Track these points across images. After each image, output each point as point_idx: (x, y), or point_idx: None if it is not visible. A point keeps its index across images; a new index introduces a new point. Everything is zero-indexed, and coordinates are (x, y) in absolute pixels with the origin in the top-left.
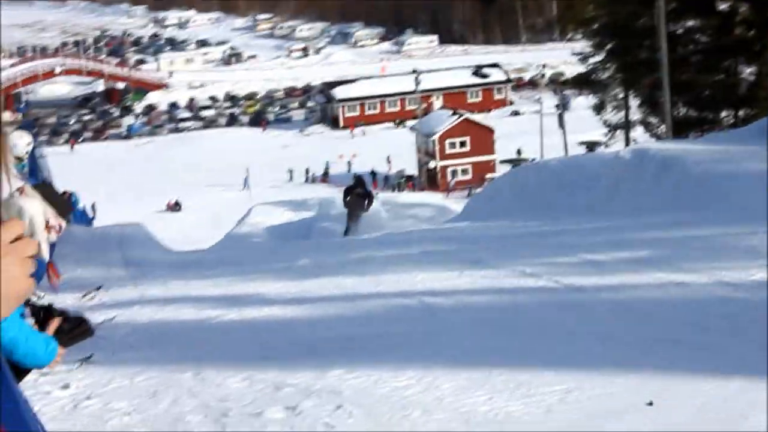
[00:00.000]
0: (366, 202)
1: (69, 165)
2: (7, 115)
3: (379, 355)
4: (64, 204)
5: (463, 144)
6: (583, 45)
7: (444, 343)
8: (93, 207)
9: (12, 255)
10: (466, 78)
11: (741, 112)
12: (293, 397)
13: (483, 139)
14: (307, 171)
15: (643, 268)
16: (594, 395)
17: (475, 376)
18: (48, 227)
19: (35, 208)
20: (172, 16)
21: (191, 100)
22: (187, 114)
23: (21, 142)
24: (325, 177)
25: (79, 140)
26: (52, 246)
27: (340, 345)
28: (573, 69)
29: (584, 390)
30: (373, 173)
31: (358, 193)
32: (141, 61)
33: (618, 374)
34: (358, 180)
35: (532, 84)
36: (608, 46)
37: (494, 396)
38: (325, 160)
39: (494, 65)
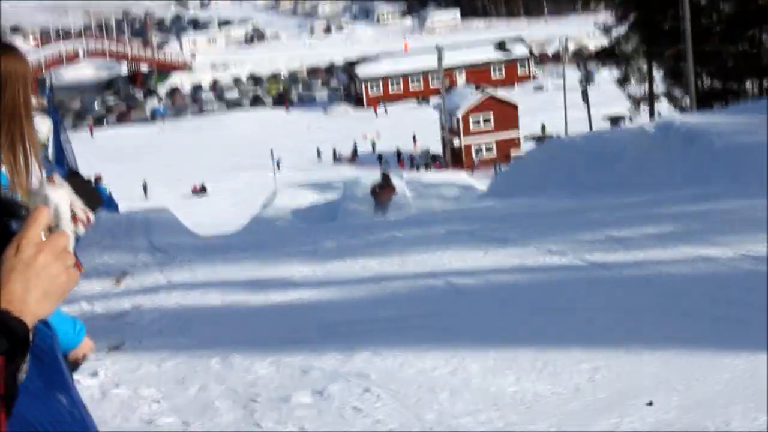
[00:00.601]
0: (392, 196)
1: (93, 150)
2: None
3: (406, 337)
4: (93, 196)
5: (487, 121)
6: (605, 16)
7: (470, 324)
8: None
9: (46, 251)
10: (489, 53)
11: (765, 82)
12: (320, 381)
13: (507, 115)
14: (334, 151)
15: (669, 243)
16: (623, 373)
17: (502, 357)
18: (75, 219)
19: (61, 197)
20: None
21: (215, 81)
22: (210, 96)
23: (43, 128)
24: (354, 157)
25: (103, 124)
26: (77, 239)
27: (366, 327)
28: (596, 42)
29: (612, 368)
30: (399, 153)
31: (384, 187)
32: (164, 43)
33: (646, 351)
34: (386, 178)
35: (556, 58)
36: (631, 18)
37: (522, 376)
38: (353, 141)
39: (517, 39)
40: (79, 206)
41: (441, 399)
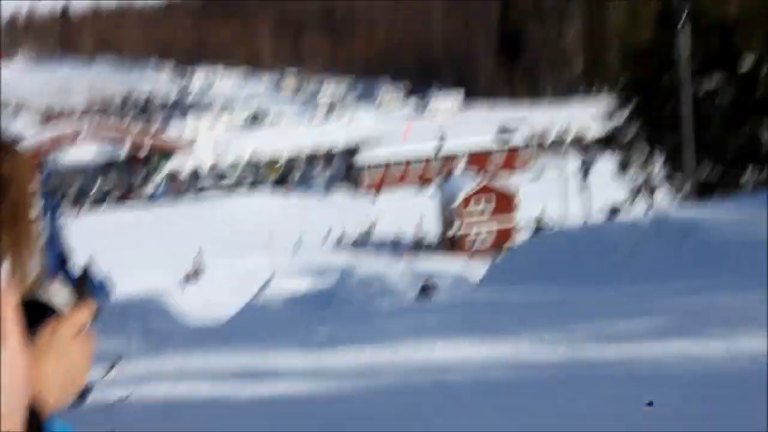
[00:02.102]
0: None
1: (91, 231)
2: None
3: None
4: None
5: (485, 208)
6: (607, 103)
7: (464, 421)
8: (105, 280)
9: (79, 343)
10: (490, 140)
11: (765, 173)
12: None
13: (505, 202)
14: (339, 236)
15: (663, 338)
16: None
17: None
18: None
19: (60, 295)
20: (198, 76)
21: (214, 164)
22: (210, 179)
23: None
24: (358, 243)
25: (102, 206)
26: None
27: (357, 423)
28: (597, 128)
29: None
30: (396, 239)
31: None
32: (166, 125)
33: None
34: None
35: (557, 144)
36: (633, 104)
37: None
38: (356, 226)
39: (518, 126)
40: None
41: None
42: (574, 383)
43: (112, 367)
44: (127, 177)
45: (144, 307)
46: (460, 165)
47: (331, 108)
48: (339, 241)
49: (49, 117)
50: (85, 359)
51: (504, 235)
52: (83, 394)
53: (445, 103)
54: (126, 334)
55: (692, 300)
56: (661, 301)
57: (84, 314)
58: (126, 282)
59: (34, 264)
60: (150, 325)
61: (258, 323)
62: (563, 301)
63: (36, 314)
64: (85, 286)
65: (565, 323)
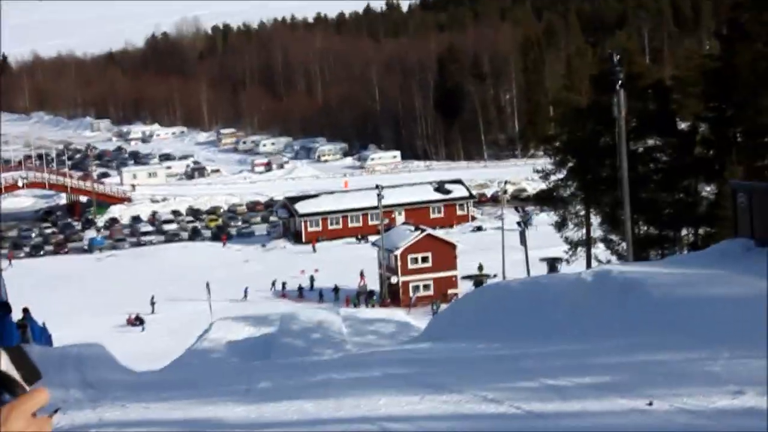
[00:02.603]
0: None
1: (29, 278)
2: None
3: None
4: (31, 370)
5: (425, 259)
6: (544, 162)
7: None
8: (44, 327)
9: (34, 428)
10: (429, 193)
11: (701, 231)
12: None
13: (445, 254)
14: (283, 285)
15: (606, 394)
16: None
17: None
18: None
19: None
20: (136, 129)
21: (153, 213)
22: (149, 228)
23: None
24: (301, 293)
25: (40, 253)
26: None
27: None
28: (535, 185)
29: None
30: (336, 289)
31: None
32: (104, 175)
33: None
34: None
35: (495, 200)
36: (569, 164)
37: None
38: (297, 277)
39: (456, 181)
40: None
41: None
42: None
43: (49, 417)
44: (66, 225)
45: (82, 355)
46: (400, 218)
47: (270, 162)
48: (279, 291)
49: None
50: None
51: (445, 285)
52: None
53: (384, 160)
54: (64, 383)
55: (635, 358)
56: (604, 357)
57: (35, 400)
58: (64, 329)
59: None
60: (88, 373)
61: (199, 371)
62: (506, 356)
63: None
64: (32, 367)
65: (507, 379)
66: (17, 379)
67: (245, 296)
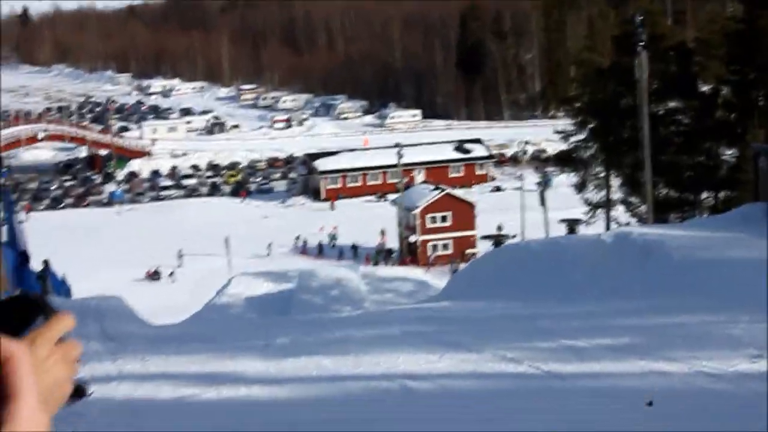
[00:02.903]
0: None
1: (49, 231)
2: None
3: None
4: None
5: (444, 219)
6: (565, 123)
7: (424, 431)
8: (63, 279)
9: (59, 356)
10: (449, 153)
11: (721, 194)
12: None
13: (464, 214)
14: (298, 238)
15: (624, 355)
16: None
17: None
18: None
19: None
20: (156, 84)
21: (173, 168)
22: (168, 182)
23: None
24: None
25: (60, 206)
26: None
27: (319, 429)
28: (555, 146)
29: None
30: (354, 247)
31: None
32: (124, 129)
33: None
34: None
35: (514, 160)
36: (590, 125)
37: None
38: (317, 234)
39: (477, 141)
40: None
41: None
42: (535, 396)
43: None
44: (86, 178)
45: (102, 308)
46: (419, 177)
47: (290, 118)
48: (300, 247)
49: (5, 118)
50: (66, 370)
51: (463, 245)
52: (80, 392)
53: (404, 118)
54: (83, 335)
55: (654, 319)
56: (624, 319)
57: (59, 326)
58: (83, 282)
59: None
60: (108, 326)
61: (218, 326)
62: (524, 316)
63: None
64: (46, 286)
65: (526, 338)
66: (52, 306)
67: (269, 252)
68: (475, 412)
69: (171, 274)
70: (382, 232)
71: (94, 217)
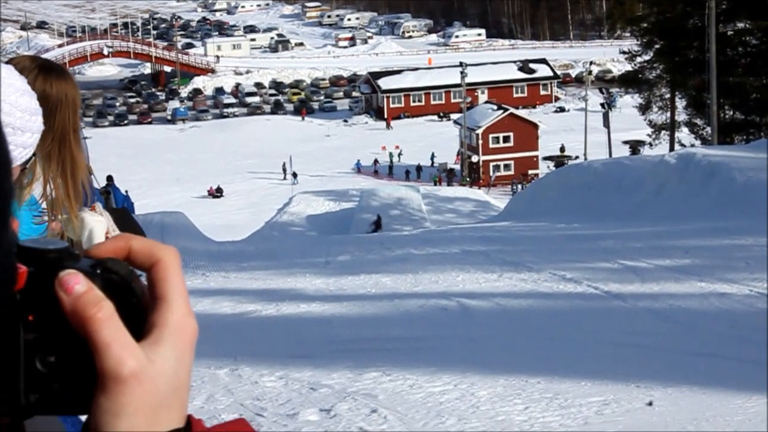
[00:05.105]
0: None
1: (112, 147)
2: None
3: (416, 359)
4: (136, 230)
5: (506, 139)
6: (631, 43)
7: (482, 349)
8: (126, 195)
9: (192, 314)
10: (512, 73)
11: None
12: (328, 399)
13: (527, 134)
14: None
15: (685, 276)
16: (632, 409)
17: (511, 385)
18: None
19: (98, 223)
20: (221, 0)
21: (237, 86)
22: (232, 100)
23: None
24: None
25: (124, 122)
26: None
27: (376, 346)
28: (620, 67)
29: (621, 403)
30: (419, 168)
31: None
32: (189, 45)
33: (657, 388)
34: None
35: (579, 81)
36: (656, 46)
37: (531, 406)
38: (380, 151)
39: (541, 61)
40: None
41: (448, 424)
42: (593, 314)
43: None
44: (150, 95)
45: (165, 223)
46: (483, 96)
47: (354, 36)
48: (359, 167)
49: (70, 35)
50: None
51: (526, 166)
52: None
53: (468, 37)
54: None
55: (716, 241)
56: (685, 240)
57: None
58: (146, 198)
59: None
60: (170, 241)
61: (278, 244)
62: (585, 236)
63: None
64: (137, 227)
65: (586, 259)
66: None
67: (358, 169)
68: (532, 331)
69: (217, 192)
70: (459, 154)
71: (158, 133)
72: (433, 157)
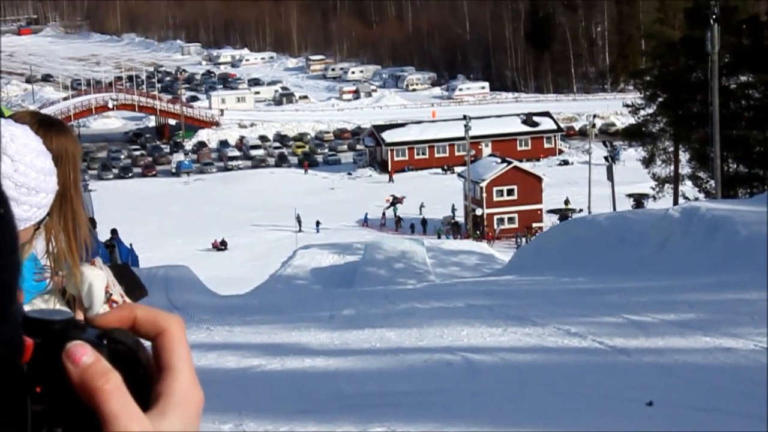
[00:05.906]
0: None
1: (117, 199)
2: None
3: (421, 413)
4: (135, 284)
5: (510, 192)
6: (634, 96)
7: (486, 404)
8: (131, 248)
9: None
10: (516, 126)
11: None
12: None
13: (531, 187)
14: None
15: (689, 331)
16: None
17: None
18: (110, 301)
19: (98, 277)
20: (225, 54)
21: (241, 138)
22: (236, 153)
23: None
24: (399, 222)
25: (128, 175)
26: None
27: (381, 401)
28: (623, 120)
29: None
30: (424, 221)
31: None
32: (193, 98)
33: None
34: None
35: (582, 134)
36: (660, 99)
37: None
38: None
39: (545, 114)
40: (118, 291)
41: None
42: (598, 369)
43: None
44: (155, 147)
45: (169, 277)
46: (486, 149)
47: (358, 89)
48: (379, 221)
49: (76, 87)
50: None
51: (530, 219)
52: None
53: (472, 90)
54: (150, 304)
55: (721, 296)
56: (690, 294)
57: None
58: (151, 251)
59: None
60: (174, 295)
61: (283, 297)
62: (590, 290)
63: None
64: (136, 281)
65: (591, 313)
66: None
67: (365, 222)
68: (537, 386)
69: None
70: (453, 211)
71: (162, 186)
72: (453, 209)
